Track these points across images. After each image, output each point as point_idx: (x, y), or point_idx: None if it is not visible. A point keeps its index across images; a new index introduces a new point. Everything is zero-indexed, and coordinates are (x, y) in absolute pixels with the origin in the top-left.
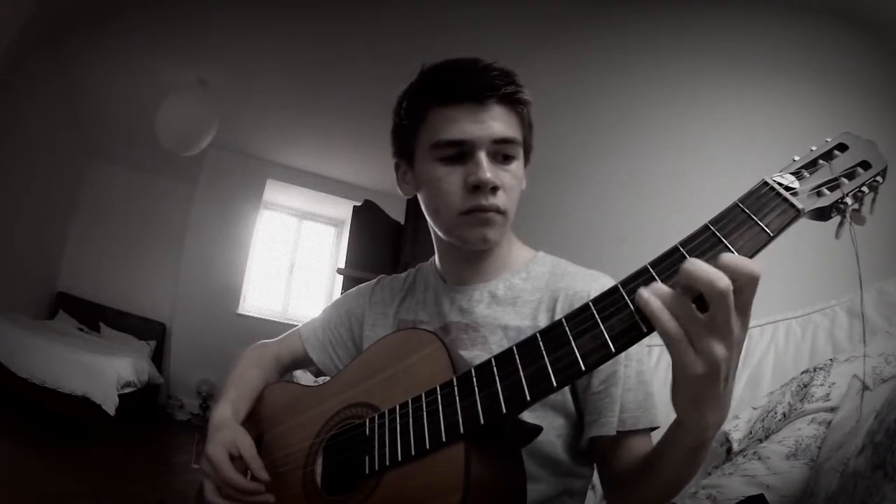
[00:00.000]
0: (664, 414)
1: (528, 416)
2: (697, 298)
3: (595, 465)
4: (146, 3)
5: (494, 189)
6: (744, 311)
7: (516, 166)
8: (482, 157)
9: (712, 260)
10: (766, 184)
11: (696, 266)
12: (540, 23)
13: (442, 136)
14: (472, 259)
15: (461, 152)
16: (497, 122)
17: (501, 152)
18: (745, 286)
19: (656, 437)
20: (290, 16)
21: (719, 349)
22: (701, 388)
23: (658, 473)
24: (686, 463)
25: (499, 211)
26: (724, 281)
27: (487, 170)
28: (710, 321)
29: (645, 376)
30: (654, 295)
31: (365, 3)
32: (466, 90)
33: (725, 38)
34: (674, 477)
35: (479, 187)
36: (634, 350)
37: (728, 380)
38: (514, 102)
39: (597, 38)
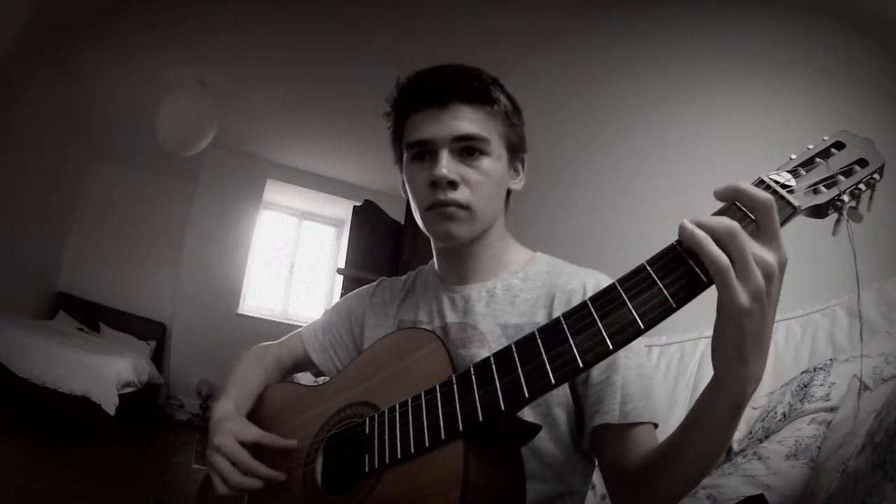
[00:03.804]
0: (665, 412)
1: (530, 413)
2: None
3: (598, 463)
4: (146, 3)
5: (453, 184)
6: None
7: (488, 163)
8: (442, 154)
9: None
10: (762, 182)
11: (741, 184)
12: (540, 24)
13: (409, 138)
14: (465, 258)
15: (425, 152)
16: (459, 121)
17: (467, 149)
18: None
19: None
20: (290, 16)
21: (759, 279)
22: (746, 325)
23: (687, 453)
24: (725, 429)
25: (460, 206)
26: (765, 193)
27: (444, 166)
28: (757, 233)
29: (645, 370)
30: (698, 225)
31: (365, 3)
32: (429, 95)
33: (725, 39)
34: (708, 451)
35: (436, 182)
36: (634, 344)
37: (770, 323)
38: (479, 101)
39: (597, 38)
